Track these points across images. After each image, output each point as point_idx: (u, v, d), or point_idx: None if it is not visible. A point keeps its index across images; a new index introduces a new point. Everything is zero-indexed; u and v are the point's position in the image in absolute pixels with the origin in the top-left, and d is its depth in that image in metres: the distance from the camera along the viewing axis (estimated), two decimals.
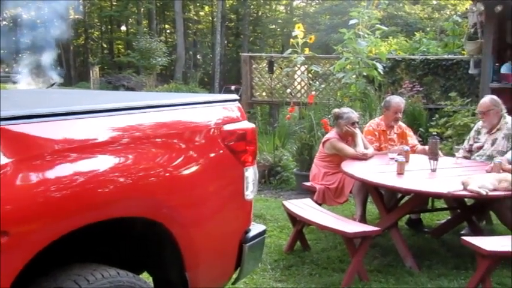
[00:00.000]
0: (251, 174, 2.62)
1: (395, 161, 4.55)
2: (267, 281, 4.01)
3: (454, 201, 4.88)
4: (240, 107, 2.71)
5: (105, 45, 37.51)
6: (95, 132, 1.98)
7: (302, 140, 7.02)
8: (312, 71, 10.11)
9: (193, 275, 2.32)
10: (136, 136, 2.12)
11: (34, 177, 1.74)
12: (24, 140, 1.78)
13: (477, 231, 4.69)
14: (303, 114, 8.28)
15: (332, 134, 5.26)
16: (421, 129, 7.65)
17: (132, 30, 34.23)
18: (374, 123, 5.51)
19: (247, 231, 2.63)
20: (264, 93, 11.71)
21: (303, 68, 10.50)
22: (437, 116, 8.09)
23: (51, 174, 1.79)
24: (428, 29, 20.91)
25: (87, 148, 1.93)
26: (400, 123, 5.55)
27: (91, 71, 25.77)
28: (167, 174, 2.18)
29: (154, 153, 2.15)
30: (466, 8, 10.38)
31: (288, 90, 10.91)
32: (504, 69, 8.08)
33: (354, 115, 5.22)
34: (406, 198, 4.87)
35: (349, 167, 4.72)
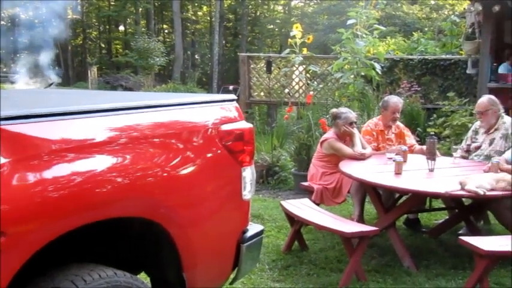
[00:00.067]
0: (249, 174, 2.62)
1: (393, 161, 4.55)
2: (264, 281, 4.01)
3: (452, 201, 4.89)
4: (238, 107, 2.71)
5: (103, 45, 37.45)
6: (93, 132, 1.98)
7: (300, 140, 7.02)
8: (310, 71, 10.12)
9: (191, 275, 2.32)
10: (134, 136, 2.12)
11: (31, 177, 1.74)
12: (21, 140, 1.77)
13: (475, 231, 4.70)
14: (301, 114, 8.28)
15: (330, 134, 5.26)
16: (419, 129, 7.65)
17: (130, 30, 34.16)
18: (372, 123, 5.51)
19: (245, 231, 2.63)
20: (262, 93, 11.71)
21: (301, 68, 10.52)
22: (435, 115, 8.09)
23: (48, 174, 1.79)
24: (426, 29, 20.94)
25: (85, 148, 1.93)
26: (398, 123, 5.55)
27: (89, 71, 25.78)
28: (165, 174, 2.18)
29: (152, 153, 2.14)
30: (464, 8, 10.40)
31: (286, 90, 10.92)
32: (502, 69, 8.12)
33: (352, 115, 5.22)
34: (404, 198, 4.88)
35: (347, 167, 4.72)
